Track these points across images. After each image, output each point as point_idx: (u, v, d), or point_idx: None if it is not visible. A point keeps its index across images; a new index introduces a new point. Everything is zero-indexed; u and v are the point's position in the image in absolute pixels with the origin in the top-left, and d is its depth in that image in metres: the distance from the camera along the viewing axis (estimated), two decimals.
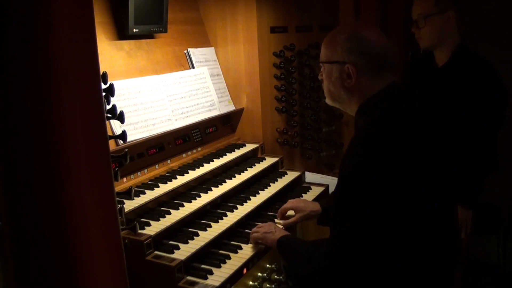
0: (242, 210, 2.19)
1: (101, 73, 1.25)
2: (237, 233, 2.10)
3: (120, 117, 1.69)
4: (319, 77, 1.77)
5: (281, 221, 2.21)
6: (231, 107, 2.86)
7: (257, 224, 2.14)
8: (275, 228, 1.96)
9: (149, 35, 2.50)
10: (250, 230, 2.07)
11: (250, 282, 2.32)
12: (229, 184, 2.34)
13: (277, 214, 2.25)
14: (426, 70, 2.68)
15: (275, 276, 2.40)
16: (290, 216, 2.20)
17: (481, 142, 2.45)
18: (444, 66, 2.56)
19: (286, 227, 2.11)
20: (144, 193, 2.07)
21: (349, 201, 1.50)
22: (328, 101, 1.78)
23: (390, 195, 1.44)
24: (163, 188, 2.13)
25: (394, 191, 1.45)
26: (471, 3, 3.24)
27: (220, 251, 1.94)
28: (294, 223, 2.19)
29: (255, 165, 2.61)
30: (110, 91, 1.58)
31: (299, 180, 2.68)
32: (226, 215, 2.12)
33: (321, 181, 2.78)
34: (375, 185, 1.44)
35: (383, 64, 1.61)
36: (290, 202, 2.23)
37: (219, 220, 2.07)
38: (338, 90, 1.68)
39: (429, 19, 2.48)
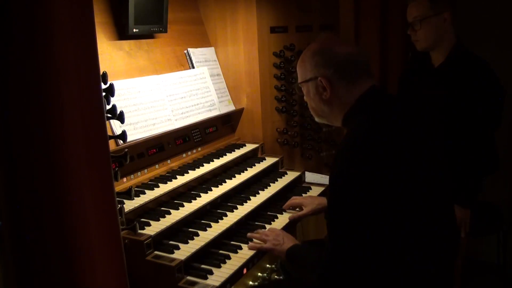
0: (242, 210, 2.19)
1: (101, 73, 1.25)
2: (237, 233, 2.09)
3: (120, 117, 1.70)
4: (305, 99, 1.81)
5: (291, 212, 2.24)
6: (231, 107, 2.86)
7: (257, 224, 2.14)
8: (283, 239, 1.90)
9: (149, 35, 2.50)
10: (250, 230, 2.07)
11: (250, 282, 2.32)
12: (229, 184, 2.34)
13: (284, 207, 2.28)
14: (422, 71, 2.68)
15: (275, 276, 2.40)
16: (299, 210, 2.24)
17: (478, 141, 2.45)
18: (440, 66, 2.56)
19: (295, 220, 2.19)
20: (144, 193, 2.06)
21: (340, 209, 1.51)
22: (316, 119, 1.83)
23: (380, 199, 1.45)
24: (163, 188, 2.13)
25: (384, 195, 1.45)
26: (467, 3, 3.25)
27: (220, 251, 1.94)
28: (304, 216, 2.22)
29: (255, 165, 2.61)
30: (110, 91, 1.59)
31: (299, 180, 2.68)
32: (226, 215, 2.12)
33: (321, 181, 2.77)
34: (363, 190, 1.45)
35: (354, 70, 1.64)
36: (298, 198, 2.26)
37: (219, 220, 2.07)
38: (318, 105, 1.73)
39: (425, 21, 2.48)
